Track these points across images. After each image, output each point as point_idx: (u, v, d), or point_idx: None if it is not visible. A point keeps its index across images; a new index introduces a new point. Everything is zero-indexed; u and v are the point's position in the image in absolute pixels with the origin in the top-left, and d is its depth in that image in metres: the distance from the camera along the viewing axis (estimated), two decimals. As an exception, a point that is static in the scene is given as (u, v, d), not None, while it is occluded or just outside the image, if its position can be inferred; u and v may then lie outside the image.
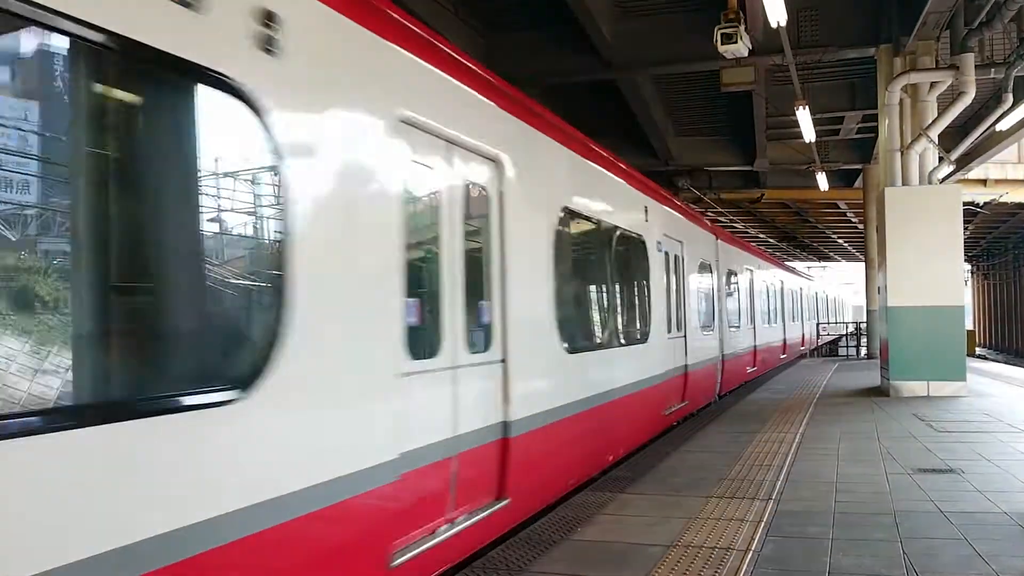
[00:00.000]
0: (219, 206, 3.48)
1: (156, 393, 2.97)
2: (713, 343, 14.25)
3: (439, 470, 4.71)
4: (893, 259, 13.67)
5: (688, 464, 8.09)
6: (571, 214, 7.18)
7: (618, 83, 17.35)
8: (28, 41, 2.86)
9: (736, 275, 17.21)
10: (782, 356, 24.28)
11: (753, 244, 27.80)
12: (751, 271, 19.19)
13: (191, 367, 3.21)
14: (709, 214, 30.69)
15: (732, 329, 16.15)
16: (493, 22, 15.14)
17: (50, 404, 2.71)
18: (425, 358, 4.67)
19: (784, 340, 24.91)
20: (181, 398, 2.94)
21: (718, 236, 15.66)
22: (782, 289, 25.22)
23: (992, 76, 14.68)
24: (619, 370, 8.34)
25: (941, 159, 14.10)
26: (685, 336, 11.62)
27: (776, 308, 23.81)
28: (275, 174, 3.49)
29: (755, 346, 19.03)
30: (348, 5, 4.02)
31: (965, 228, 16.45)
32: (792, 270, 31.66)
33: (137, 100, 3.09)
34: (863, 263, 30.10)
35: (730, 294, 16.49)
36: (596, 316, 8.29)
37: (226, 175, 3.46)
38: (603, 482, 7.37)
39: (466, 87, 5.35)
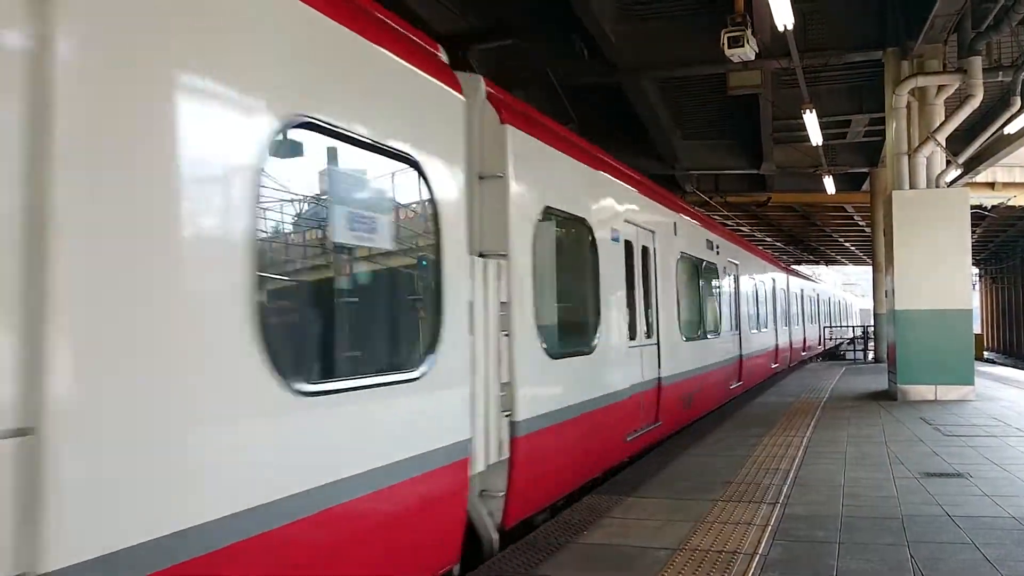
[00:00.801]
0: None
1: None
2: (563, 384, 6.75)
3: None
4: (901, 263, 13.62)
5: (694, 468, 8.07)
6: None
7: (623, 86, 17.36)
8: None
9: (637, 249, 9.27)
10: (733, 386, 15.14)
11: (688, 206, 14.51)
12: (670, 236, 10.81)
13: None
14: (715, 217, 30.67)
15: (627, 348, 8.52)
16: (498, 25, 15.15)
17: None
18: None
19: (740, 358, 15.78)
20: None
21: (592, 165, 7.81)
22: (736, 281, 16.02)
23: (1000, 79, 14.66)
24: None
25: (949, 162, 14.07)
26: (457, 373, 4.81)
27: (732, 310, 15.45)
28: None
29: (683, 374, 10.89)
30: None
31: (973, 231, 16.42)
32: (766, 256, 23.53)
33: None
34: (868, 266, 30.04)
35: (619, 285, 8.37)
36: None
37: None
38: (609, 485, 7.35)
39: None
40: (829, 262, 60.94)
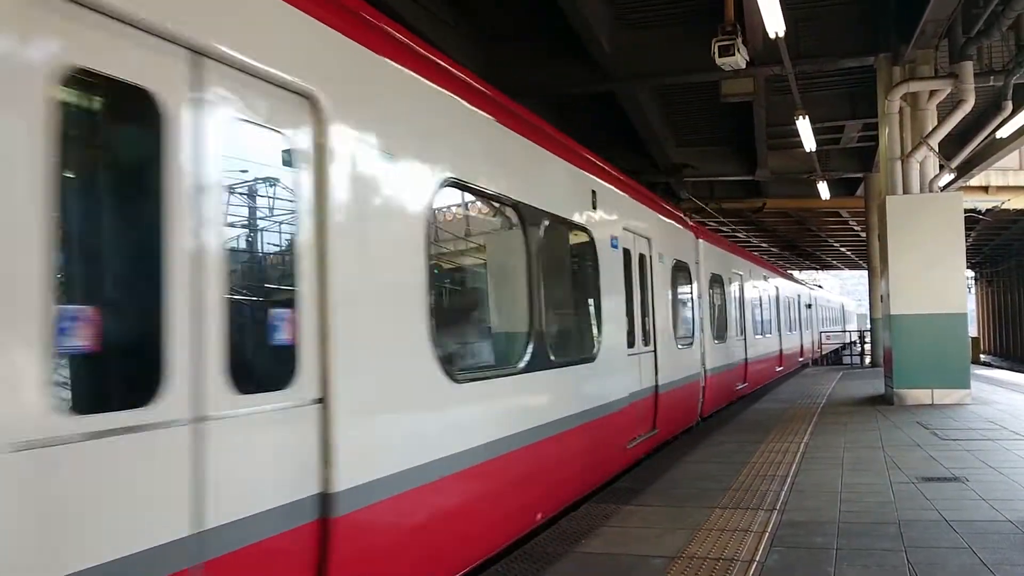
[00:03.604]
0: None
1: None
2: None
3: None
4: (895, 267, 13.66)
5: (692, 475, 8.08)
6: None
7: (616, 94, 17.40)
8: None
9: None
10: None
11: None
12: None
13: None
14: (710, 223, 30.75)
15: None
16: (492, 34, 15.22)
17: None
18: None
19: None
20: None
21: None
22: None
23: (991, 83, 14.72)
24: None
25: (942, 167, 14.12)
26: None
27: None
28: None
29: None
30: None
31: (967, 235, 16.45)
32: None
33: None
34: (863, 270, 30.13)
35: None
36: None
37: None
38: (606, 494, 7.36)
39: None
40: (825, 267, 61.03)
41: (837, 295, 58.50)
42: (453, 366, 4.99)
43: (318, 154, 3.70)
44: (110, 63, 2.75)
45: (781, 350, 22.63)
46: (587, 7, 13.16)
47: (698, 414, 12.45)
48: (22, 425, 2.30)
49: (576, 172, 7.53)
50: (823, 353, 35.02)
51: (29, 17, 2.49)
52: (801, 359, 27.98)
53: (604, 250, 8.04)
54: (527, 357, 5.93)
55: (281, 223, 3.72)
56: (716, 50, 11.23)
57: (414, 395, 4.44)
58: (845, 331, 45.90)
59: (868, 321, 27.55)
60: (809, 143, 17.60)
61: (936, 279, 13.37)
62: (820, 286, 47.71)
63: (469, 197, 5.65)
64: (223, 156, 3.20)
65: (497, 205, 5.99)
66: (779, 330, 22.55)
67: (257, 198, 3.64)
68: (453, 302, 6.07)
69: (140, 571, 2.68)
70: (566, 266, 7.74)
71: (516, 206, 5.99)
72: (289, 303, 3.53)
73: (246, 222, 3.61)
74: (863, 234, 31.28)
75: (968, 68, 13.27)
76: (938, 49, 14.29)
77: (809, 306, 30.86)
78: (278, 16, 3.56)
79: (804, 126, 16.30)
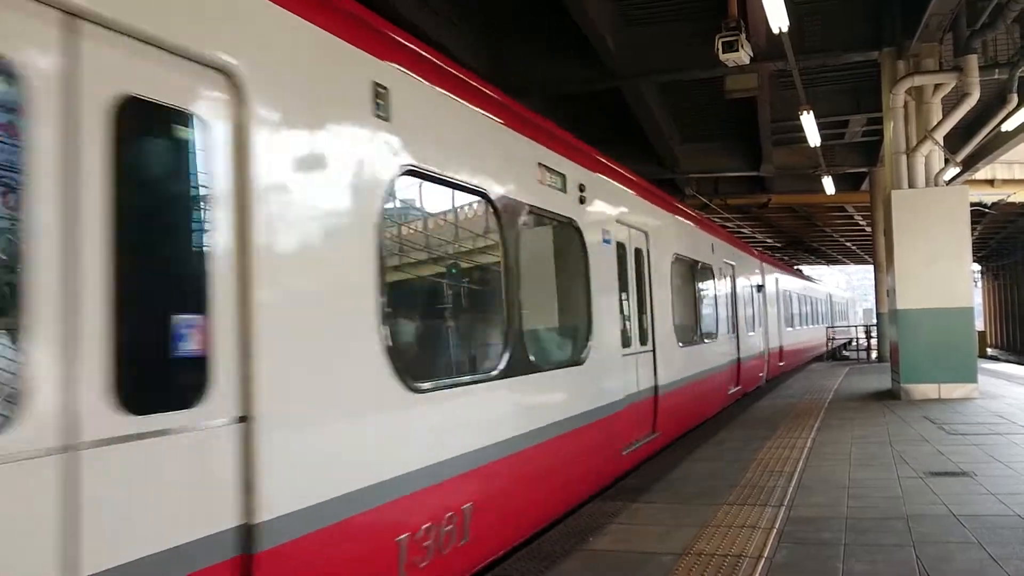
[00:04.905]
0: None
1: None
2: None
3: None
4: (901, 262, 13.63)
5: (698, 472, 8.08)
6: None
7: (622, 91, 17.38)
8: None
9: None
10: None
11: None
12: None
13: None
14: (715, 220, 30.70)
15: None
16: (496, 31, 15.21)
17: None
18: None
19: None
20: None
21: None
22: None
23: (996, 77, 14.68)
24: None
25: (947, 161, 14.07)
26: None
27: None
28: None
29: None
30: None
31: (973, 229, 16.41)
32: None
33: None
34: (869, 265, 29.98)
35: None
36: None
37: None
38: (614, 492, 7.36)
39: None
40: (831, 262, 60.91)
41: (820, 282, 49.50)
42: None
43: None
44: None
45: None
46: (591, 5, 13.15)
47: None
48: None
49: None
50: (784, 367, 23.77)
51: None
52: (734, 390, 14.83)
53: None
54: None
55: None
56: (720, 46, 11.22)
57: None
58: (833, 327, 39.61)
59: (875, 316, 27.43)
60: (814, 138, 17.56)
61: (942, 273, 13.33)
62: (799, 270, 40.91)
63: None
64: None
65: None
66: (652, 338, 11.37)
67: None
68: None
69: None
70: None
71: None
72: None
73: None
74: (868, 229, 31.21)
75: (973, 61, 13.22)
76: (942, 42, 14.24)
77: (760, 288, 19.29)
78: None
79: (809, 121, 16.27)
